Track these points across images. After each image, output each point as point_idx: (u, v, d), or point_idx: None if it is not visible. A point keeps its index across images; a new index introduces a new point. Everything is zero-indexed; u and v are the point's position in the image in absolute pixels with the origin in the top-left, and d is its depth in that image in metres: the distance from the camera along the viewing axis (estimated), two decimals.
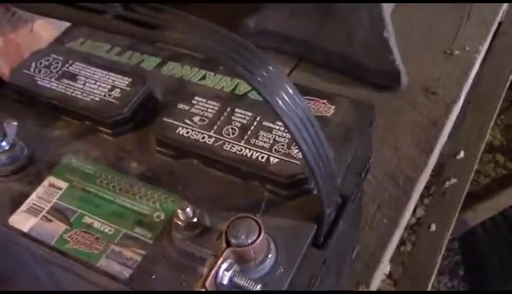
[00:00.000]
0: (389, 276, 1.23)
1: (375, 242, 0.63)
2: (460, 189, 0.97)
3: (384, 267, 0.64)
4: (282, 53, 0.79)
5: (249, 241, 0.34)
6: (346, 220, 0.40)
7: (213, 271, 0.33)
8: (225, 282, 0.33)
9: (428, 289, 0.96)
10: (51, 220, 0.40)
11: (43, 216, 0.40)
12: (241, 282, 0.33)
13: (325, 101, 0.45)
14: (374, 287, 0.61)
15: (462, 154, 0.98)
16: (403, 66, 0.74)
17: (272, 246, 0.36)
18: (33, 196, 0.42)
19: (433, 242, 0.96)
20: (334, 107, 0.44)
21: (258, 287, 0.33)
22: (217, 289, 0.33)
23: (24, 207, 0.41)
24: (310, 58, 0.79)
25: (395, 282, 1.17)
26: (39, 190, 0.42)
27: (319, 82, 0.77)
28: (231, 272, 0.33)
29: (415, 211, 1.32)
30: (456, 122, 0.81)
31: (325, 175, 0.34)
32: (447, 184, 0.97)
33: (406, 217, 0.67)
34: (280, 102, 0.31)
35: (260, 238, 0.34)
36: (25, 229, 0.40)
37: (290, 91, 0.32)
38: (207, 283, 0.32)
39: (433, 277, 0.96)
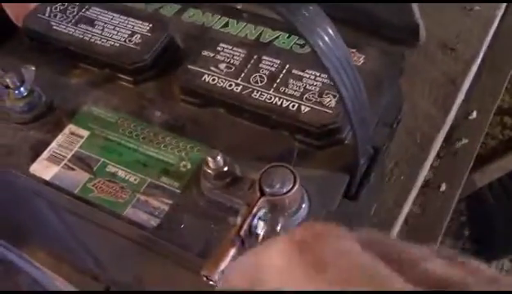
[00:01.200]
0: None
1: (392, 198, 0.62)
2: (472, 150, 0.95)
3: (399, 224, 0.63)
4: None
5: (284, 190, 0.32)
6: (376, 172, 0.39)
7: (248, 220, 0.32)
8: (259, 231, 0.32)
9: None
10: (73, 169, 0.39)
11: (65, 164, 0.39)
12: (276, 231, 0.32)
13: (354, 51, 0.43)
14: None
15: (475, 114, 0.97)
16: (422, 21, 0.72)
17: (306, 196, 0.35)
18: (54, 144, 0.40)
19: (443, 202, 0.96)
20: (363, 56, 0.43)
21: None
22: (251, 238, 0.32)
23: (44, 155, 0.40)
24: (325, 11, 0.76)
25: None
26: (60, 138, 0.40)
27: None
28: (265, 221, 0.32)
29: None
30: (471, 82, 0.79)
31: (362, 122, 0.33)
32: (459, 144, 0.96)
33: (423, 175, 0.66)
34: (320, 42, 0.30)
35: (295, 188, 0.33)
36: (47, 178, 0.38)
37: (331, 31, 0.30)
38: (241, 232, 0.31)
39: (441, 234, 0.96)
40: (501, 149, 1.27)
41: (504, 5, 0.79)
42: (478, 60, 0.75)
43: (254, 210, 0.32)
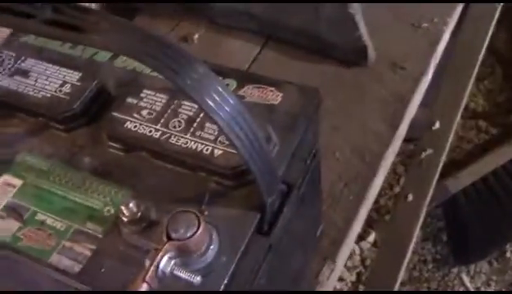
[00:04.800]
0: (374, 244, 1.26)
1: (341, 218, 0.64)
2: (437, 160, 0.98)
3: (351, 242, 0.65)
4: (250, 32, 0.79)
5: (189, 234, 0.35)
6: (293, 206, 0.41)
7: (153, 265, 0.34)
8: (166, 275, 0.34)
9: (408, 256, 0.98)
10: (3, 218, 0.41)
11: None
12: (182, 274, 0.34)
13: (273, 89, 0.45)
14: (341, 262, 0.63)
15: (437, 125, 0.99)
16: (370, 41, 0.74)
17: (215, 236, 0.37)
18: None
19: (411, 212, 0.98)
20: (281, 94, 0.45)
21: (198, 279, 0.34)
22: (158, 282, 0.34)
23: None
24: (278, 36, 0.79)
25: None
26: None
27: (287, 61, 0.77)
28: (171, 265, 0.34)
29: (399, 181, 1.34)
30: (432, 93, 0.82)
31: (262, 167, 0.35)
32: (423, 154, 0.98)
33: (373, 193, 0.68)
34: (210, 102, 0.32)
35: (199, 232, 0.35)
36: None
37: (220, 89, 0.32)
38: (147, 277, 0.34)
39: (412, 245, 0.98)
40: (477, 153, 1.28)
41: (453, 21, 0.81)
42: (428, 76, 0.77)
43: (160, 255, 0.34)
